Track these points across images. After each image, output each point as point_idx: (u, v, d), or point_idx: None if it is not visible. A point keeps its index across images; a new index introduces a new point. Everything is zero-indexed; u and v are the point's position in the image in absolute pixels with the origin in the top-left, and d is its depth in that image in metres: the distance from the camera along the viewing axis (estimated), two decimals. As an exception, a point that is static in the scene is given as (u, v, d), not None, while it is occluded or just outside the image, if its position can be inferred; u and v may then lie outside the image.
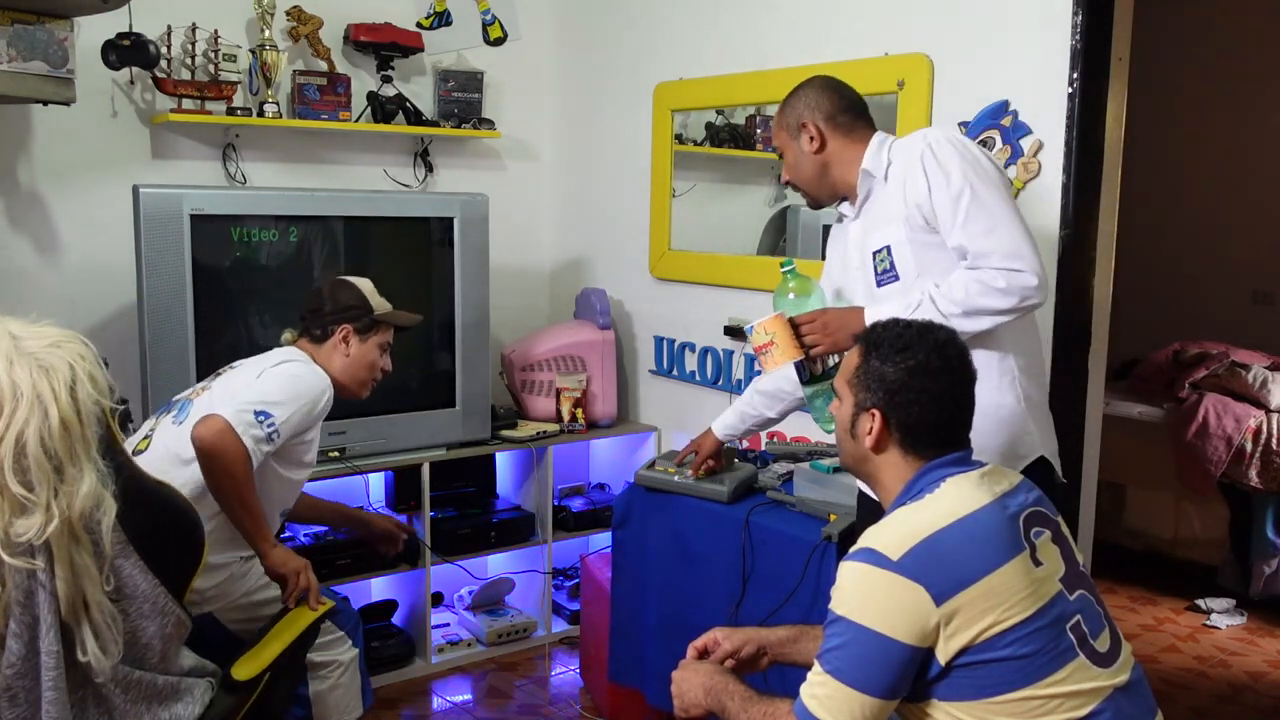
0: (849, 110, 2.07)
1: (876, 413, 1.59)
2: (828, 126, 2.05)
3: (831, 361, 2.07)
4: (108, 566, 1.57)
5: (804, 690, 1.48)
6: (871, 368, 1.60)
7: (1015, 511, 1.52)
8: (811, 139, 2.05)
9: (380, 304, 2.49)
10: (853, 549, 1.51)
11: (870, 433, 1.60)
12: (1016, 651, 1.43)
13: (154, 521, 1.68)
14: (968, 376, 1.62)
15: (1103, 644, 1.50)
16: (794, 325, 2.03)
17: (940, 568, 1.43)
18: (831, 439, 2.73)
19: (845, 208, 2.13)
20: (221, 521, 2.18)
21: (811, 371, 2.09)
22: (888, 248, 1.98)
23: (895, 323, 1.65)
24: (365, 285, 2.49)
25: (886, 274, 1.98)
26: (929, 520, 1.48)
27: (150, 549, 1.63)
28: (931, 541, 1.45)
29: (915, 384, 1.57)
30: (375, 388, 2.51)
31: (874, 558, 1.46)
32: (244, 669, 1.88)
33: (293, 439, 2.27)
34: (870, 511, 2.11)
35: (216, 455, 2.09)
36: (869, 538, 1.49)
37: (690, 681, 1.68)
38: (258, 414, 2.15)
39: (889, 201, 1.99)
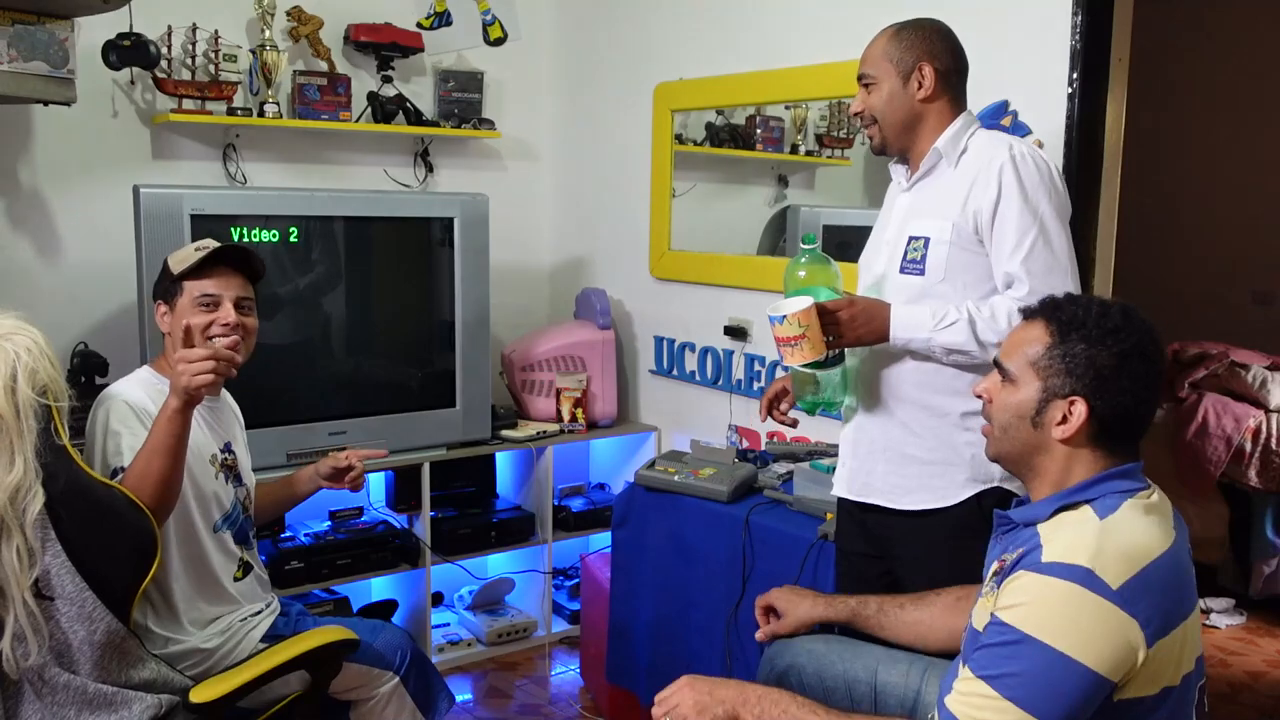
0: (963, 75, 1.93)
1: (1080, 400, 1.42)
2: (944, 82, 1.90)
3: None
4: (39, 565, 1.56)
5: (968, 713, 1.33)
6: (1075, 350, 1.42)
7: (1189, 554, 1.42)
8: (921, 85, 1.89)
9: (182, 259, 2.05)
10: (1050, 561, 1.34)
11: (1063, 423, 1.43)
12: (1164, 703, 1.35)
13: (89, 522, 1.65)
14: (1165, 370, 1.49)
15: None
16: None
17: (1155, 605, 1.32)
18: (830, 437, 2.74)
19: (899, 171, 2.00)
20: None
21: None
22: (926, 239, 1.86)
23: (1089, 301, 1.48)
24: (178, 253, 2.09)
25: (913, 264, 1.88)
26: (1141, 549, 1.34)
27: (81, 550, 1.61)
28: (1147, 573, 1.32)
29: (1127, 371, 1.41)
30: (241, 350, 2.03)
31: (1091, 581, 1.31)
32: (205, 692, 1.78)
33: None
34: (851, 516, 2.04)
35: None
36: (1074, 553, 1.33)
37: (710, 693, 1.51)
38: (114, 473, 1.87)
39: (949, 192, 1.87)
